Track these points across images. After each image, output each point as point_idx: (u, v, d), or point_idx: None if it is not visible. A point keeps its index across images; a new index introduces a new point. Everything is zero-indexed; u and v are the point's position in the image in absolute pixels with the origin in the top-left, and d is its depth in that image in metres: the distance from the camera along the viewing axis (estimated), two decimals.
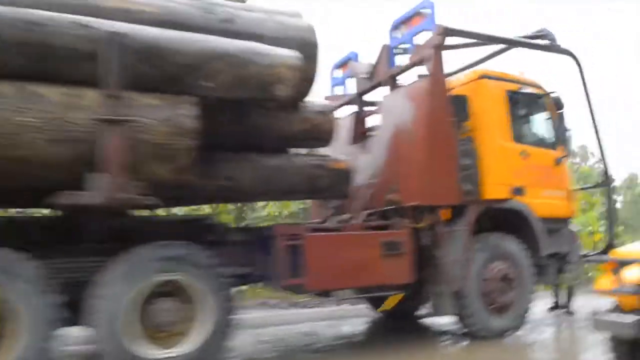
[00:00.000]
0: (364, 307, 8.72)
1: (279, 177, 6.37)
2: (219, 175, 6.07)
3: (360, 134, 7.72)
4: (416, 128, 6.51)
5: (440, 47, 6.59)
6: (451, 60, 8.04)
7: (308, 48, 6.04)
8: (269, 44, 5.54)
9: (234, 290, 5.35)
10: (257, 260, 5.78)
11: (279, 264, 5.55)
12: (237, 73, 5.33)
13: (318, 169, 6.66)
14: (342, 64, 8.52)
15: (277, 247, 5.57)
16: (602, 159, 7.87)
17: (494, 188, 6.81)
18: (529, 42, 7.45)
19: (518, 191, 6.97)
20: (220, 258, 5.27)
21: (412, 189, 6.37)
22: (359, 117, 7.90)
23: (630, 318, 4.27)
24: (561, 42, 7.52)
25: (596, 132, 7.66)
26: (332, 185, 6.76)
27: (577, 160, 46.85)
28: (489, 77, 7.14)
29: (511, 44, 7.49)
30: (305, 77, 6.03)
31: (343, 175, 6.78)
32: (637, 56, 58.19)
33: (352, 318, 8.68)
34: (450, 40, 6.88)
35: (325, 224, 6.85)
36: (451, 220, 6.59)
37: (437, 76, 6.54)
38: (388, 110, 7.17)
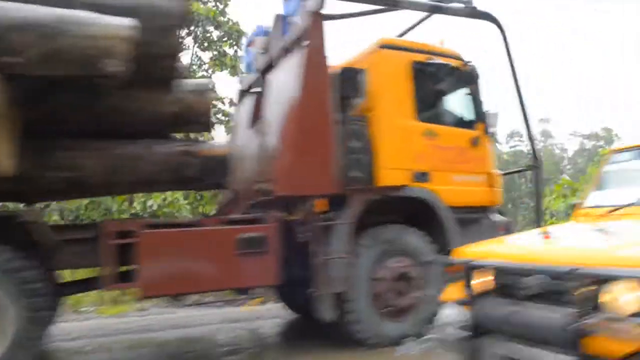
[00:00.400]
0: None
1: (134, 166, 5.65)
2: (59, 165, 5.40)
3: (256, 116, 6.91)
4: (289, 107, 5.68)
5: (318, 13, 5.70)
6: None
7: (166, 19, 5.27)
8: (116, 14, 4.78)
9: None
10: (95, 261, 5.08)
11: (104, 265, 4.84)
12: (50, 46, 4.61)
13: (185, 156, 5.91)
14: (252, 41, 7.70)
15: (104, 245, 4.86)
16: (530, 138, 6.86)
17: (390, 174, 5.91)
18: (439, 6, 6.46)
19: (421, 177, 6.06)
20: (32, 260, 4.60)
21: (282, 176, 5.54)
22: (257, 98, 7.08)
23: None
24: (481, 6, 6.53)
25: (522, 108, 6.66)
26: (203, 174, 6.00)
27: (602, 143, 44.94)
28: (390, 47, 6.21)
29: (416, 7, 6.52)
30: (165, 53, 5.27)
31: (217, 163, 6.01)
32: (622, 56, 58.46)
33: (269, 319, 7.91)
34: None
35: (172, 220, 6.10)
36: (333, 212, 5.74)
37: (314, 47, 5.66)
38: (272, 88, 6.35)
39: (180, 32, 5.58)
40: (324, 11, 5.73)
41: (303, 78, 5.55)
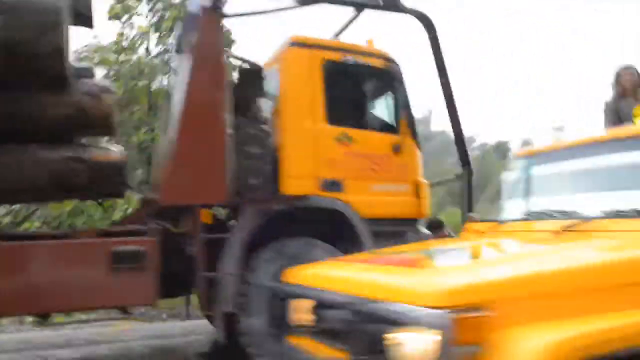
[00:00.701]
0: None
1: (13, 173, 5.25)
2: None
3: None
4: (179, 107, 5.23)
5: (213, 9, 5.25)
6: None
7: (45, 15, 4.88)
8: None
9: None
10: None
11: None
12: None
13: (73, 163, 5.49)
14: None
15: None
16: (459, 143, 6.26)
17: (295, 182, 5.41)
18: (359, 2, 5.93)
19: (332, 185, 5.53)
20: None
21: (166, 184, 5.08)
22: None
23: None
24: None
25: (451, 111, 6.08)
26: (94, 182, 5.57)
27: None
28: (301, 45, 5.72)
29: (332, 1, 6.01)
30: (48, 51, 4.88)
31: (112, 170, 5.57)
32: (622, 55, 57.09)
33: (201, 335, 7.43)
34: None
35: (42, 232, 5.67)
36: (225, 225, 5.26)
37: (206, 45, 5.21)
38: (176, 87, 5.91)
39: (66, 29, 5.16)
40: (221, 7, 5.29)
41: (191, 77, 5.10)
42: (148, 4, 10.73)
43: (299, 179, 5.42)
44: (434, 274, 2.54)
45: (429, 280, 2.36)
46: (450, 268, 2.62)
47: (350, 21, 6.83)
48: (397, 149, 5.82)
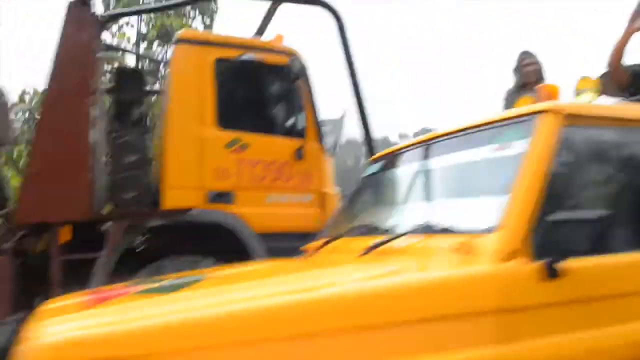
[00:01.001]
0: None
1: None
2: None
3: None
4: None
5: (78, 4, 4.75)
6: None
7: None
8: None
9: None
10: None
11: None
12: None
13: None
14: None
15: None
16: (368, 147, 5.63)
17: (178, 194, 4.85)
18: None
19: (221, 197, 4.96)
20: None
21: (21, 199, 4.57)
22: None
23: None
24: None
25: (360, 109, 5.48)
26: None
27: None
28: (189, 42, 5.19)
29: None
30: None
31: None
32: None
33: None
34: None
35: None
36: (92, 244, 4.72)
37: (69, 44, 4.70)
38: None
39: None
40: (89, 2, 4.80)
41: (50, 80, 4.60)
42: None
43: (181, 190, 4.87)
44: (59, 322, 1.89)
45: (40, 332, 1.77)
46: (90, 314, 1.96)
47: (268, 17, 6.31)
48: (299, 155, 5.22)
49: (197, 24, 15.14)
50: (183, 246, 4.96)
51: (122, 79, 4.98)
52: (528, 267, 1.92)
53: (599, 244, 1.94)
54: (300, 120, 5.35)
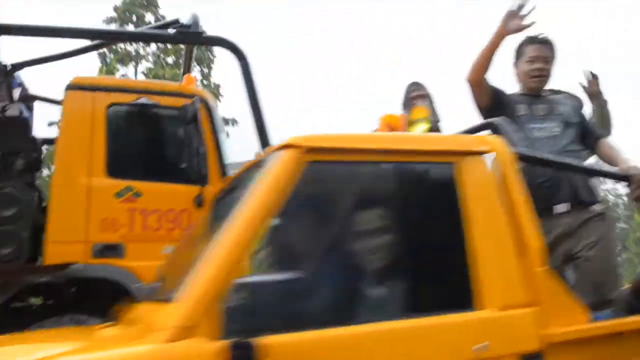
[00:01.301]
0: None
1: None
2: None
3: None
4: None
5: None
6: None
7: None
8: None
9: None
10: None
11: None
12: None
13: None
14: None
15: None
16: None
17: (60, 248, 4.51)
18: (148, 34, 5.15)
19: (108, 250, 4.62)
20: None
21: None
22: None
23: None
24: (212, 32, 5.17)
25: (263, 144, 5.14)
26: None
27: None
28: (80, 88, 4.95)
29: (120, 38, 5.26)
30: None
31: None
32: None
33: None
34: None
35: None
36: None
37: None
38: None
39: None
40: None
41: None
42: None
43: (64, 244, 4.53)
44: None
45: None
46: None
47: (188, 57, 6.08)
48: (200, 203, 4.87)
49: (196, 73, 15.18)
50: (74, 304, 4.64)
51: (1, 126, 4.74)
52: (206, 347, 1.51)
53: (306, 315, 1.52)
54: (202, 165, 5.02)
